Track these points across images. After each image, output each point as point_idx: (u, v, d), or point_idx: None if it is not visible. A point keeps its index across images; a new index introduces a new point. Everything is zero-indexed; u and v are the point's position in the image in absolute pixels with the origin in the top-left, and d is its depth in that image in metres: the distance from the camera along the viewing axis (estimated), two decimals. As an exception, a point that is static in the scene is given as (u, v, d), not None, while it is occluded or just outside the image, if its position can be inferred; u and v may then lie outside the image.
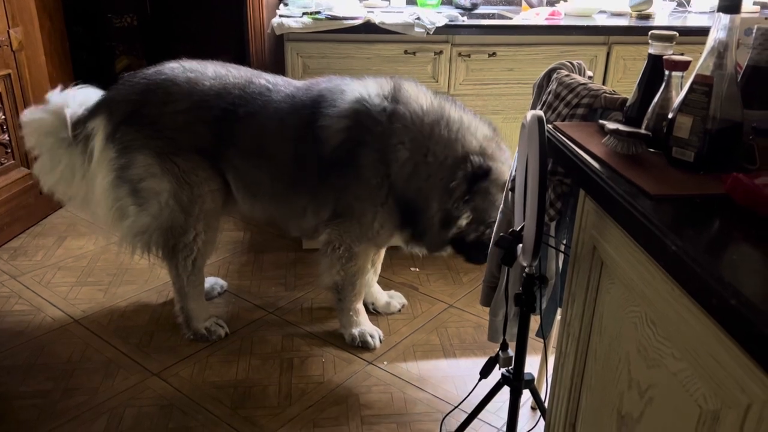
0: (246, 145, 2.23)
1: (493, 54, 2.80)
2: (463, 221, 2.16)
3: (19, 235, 3.15)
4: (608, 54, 2.88)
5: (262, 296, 2.72)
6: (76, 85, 2.35)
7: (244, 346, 2.39)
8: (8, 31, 2.96)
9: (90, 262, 2.94)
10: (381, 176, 2.16)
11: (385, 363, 2.32)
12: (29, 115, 2.29)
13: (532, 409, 2.11)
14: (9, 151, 3.07)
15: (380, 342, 2.41)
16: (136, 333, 2.44)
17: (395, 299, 2.66)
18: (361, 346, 2.39)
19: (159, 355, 2.32)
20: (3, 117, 3.00)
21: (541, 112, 1.21)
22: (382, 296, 2.64)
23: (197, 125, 2.20)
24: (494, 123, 2.27)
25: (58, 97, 2.28)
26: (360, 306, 2.43)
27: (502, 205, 1.89)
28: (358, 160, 2.16)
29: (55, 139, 2.27)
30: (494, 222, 2.08)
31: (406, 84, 2.23)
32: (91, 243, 3.10)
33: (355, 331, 2.40)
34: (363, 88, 2.21)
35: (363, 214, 2.22)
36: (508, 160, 2.18)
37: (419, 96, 2.20)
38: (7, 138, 3.04)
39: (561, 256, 1.68)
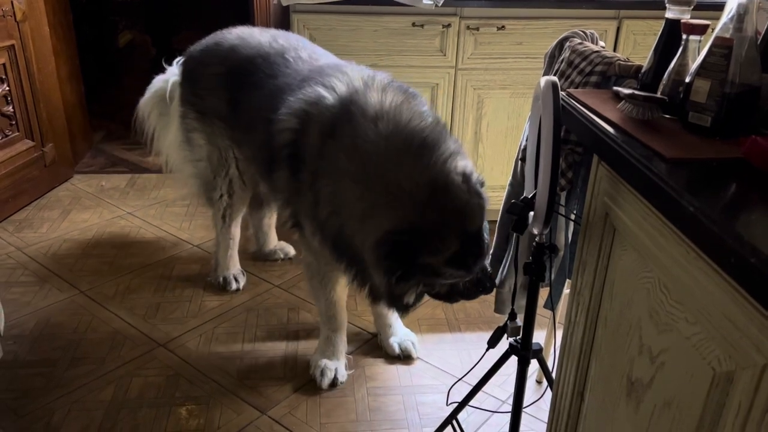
0: (242, 117, 2.14)
1: (502, 27, 2.76)
2: (411, 299, 1.71)
3: (24, 208, 3.15)
4: (618, 28, 2.84)
5: (267, 270, 2.72)
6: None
7: (249, 318, 2.40)
8: (12, 2, 2.92)
9: (95, 235, 2.94)
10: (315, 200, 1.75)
11: (391, 336, 2.32)
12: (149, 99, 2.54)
13: (537, 382, 2.12)
14: (14, 123, 3.05)
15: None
16: (142, 305, 2.45)
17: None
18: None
19: (165, 326, 2.33)
20: (7, 88, 2.98)
21: (555, 78, 1.20)
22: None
23: (222, 90, 2.20)
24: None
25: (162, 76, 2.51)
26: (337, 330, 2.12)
27: (510, 177, 1.87)
28: (299, 172, 1.78)
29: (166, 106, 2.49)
30: (444, 278, 1.63)
31: (374, 91, 1.68)
32: (96, 216, 3.10)
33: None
34: (338, 81, 1.75)
35: (303, 225, 1.91)
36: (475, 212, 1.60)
37: (378, 112, 1.62)
38: (12, 110, 3.02)
39: (570, 227, 1.67)
